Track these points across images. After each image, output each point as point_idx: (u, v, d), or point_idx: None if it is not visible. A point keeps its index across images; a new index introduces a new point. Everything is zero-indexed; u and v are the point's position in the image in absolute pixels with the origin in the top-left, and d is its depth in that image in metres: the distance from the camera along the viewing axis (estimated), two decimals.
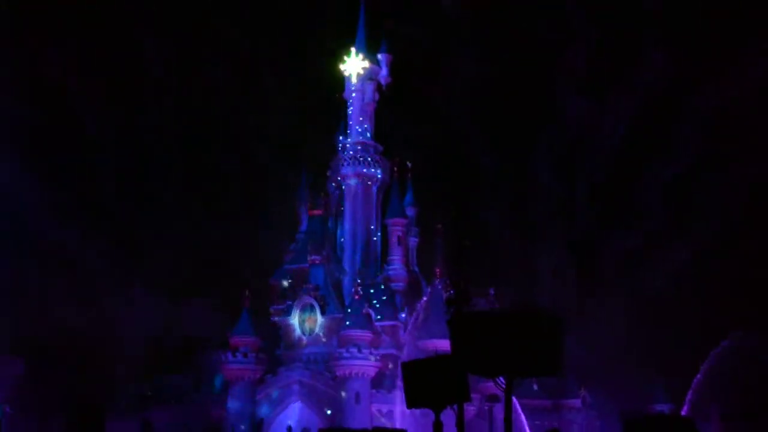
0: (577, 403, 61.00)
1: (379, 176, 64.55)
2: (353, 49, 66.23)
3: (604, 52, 72.64)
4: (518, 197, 74.71)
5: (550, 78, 75.63)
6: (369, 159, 64.30)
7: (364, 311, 56.88)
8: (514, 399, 52.80)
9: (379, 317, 58.33)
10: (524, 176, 75.76)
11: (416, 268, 65.17)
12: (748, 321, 57.18)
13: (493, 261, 62.41)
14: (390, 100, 67.24)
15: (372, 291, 59.74)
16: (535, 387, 59.84)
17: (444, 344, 51.36)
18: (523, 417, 55.31)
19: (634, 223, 68.53)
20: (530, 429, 56.18)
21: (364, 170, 63.93)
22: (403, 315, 59.49)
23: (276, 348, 59.27)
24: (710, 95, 67.38)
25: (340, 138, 66.56)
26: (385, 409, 54.92)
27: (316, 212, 62.64)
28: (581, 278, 67.77)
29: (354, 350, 53.95)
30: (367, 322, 56.34)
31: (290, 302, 59.92)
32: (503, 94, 75.96)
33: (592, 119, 71.58)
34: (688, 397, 55.80)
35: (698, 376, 55.54)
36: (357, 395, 53.87)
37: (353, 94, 65.84)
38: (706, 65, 69.64)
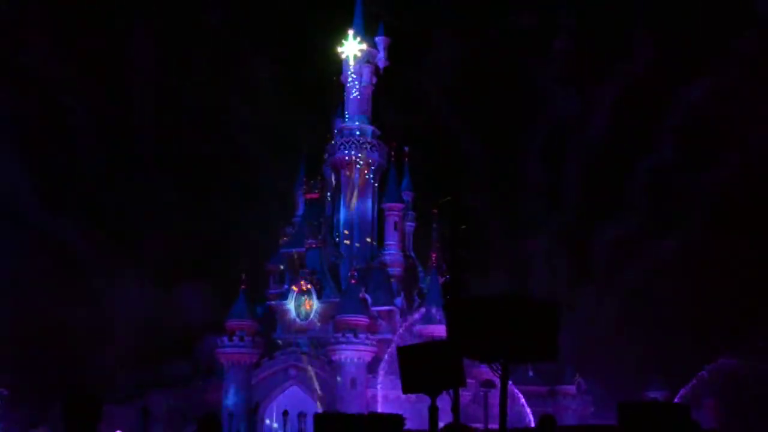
0: (572, 389, 61.07)
1: (376, 160, 64.28)
2: (351, 32, 65.80)
3: (594, 43, 72.51)
4: (509, 187, 74.82)
5: (540, 68, 75.48)
6: (366, 143, 64.02)
7: (360, 296, 56.84)
8: (513, 386, 52.31)
9: (375, 302, 58.29)
10: (515, 167, 75.88)
11: (413, 253, 65.06)
12: (743, 317, 57.52)
13: (484, 251, 62.31)
14: (387, 83, 67.00)
15: (368, 275, 59.68)
16: (531, 373, 59.91)
17: (440, 330, 51.47)
18: (523, 401, 55.26)
19: (626, 213, 68.55)
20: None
21: (361, 154, 63.65)
22: (400, 300, 59.47)
23: (272, 332, 59.24)
24: (703, 85, 67.26)
25: (337, 121, 66.27)
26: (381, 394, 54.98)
27: (313, 196, 62.40)
28: (574, 267, 67.87)
29: (350, 335, 53.89)
30: (363, 307, 56.28)
31: (287, 286, 59.82)
32: (493, 85, 75.88)
33: (582, 109, 71.62)
34: (691, 383, 55.97)
35: (702, 373, 55.72)
36: (353, 380, 53.87)
37: (351, 77, 65.48)
38: (697, 56, 69.51)
